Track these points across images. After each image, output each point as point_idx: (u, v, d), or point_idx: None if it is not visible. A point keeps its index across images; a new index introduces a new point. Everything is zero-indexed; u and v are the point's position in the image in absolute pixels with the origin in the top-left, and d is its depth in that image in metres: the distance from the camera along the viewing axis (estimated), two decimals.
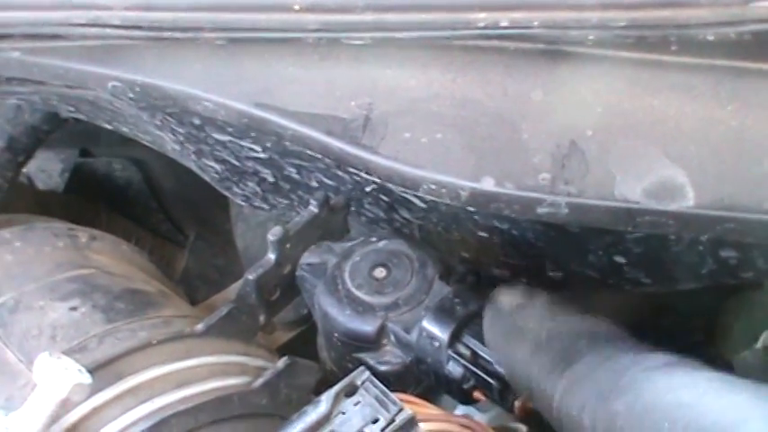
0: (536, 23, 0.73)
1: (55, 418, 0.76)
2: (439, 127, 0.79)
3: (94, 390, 0.80)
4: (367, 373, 0.74)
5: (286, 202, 1.09)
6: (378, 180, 0.84)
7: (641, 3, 0.69)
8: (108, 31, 0.90)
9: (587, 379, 0.68)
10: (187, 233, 1.77)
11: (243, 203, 1.16)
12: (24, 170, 1.51)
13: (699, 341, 1.11)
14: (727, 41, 0.68)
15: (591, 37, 0.72)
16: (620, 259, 0.85)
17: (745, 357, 0.97)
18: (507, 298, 0.81)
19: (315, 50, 0.84)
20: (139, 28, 0.89)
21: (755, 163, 0.69)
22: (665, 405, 0.61)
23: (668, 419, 0.60)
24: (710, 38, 0.68)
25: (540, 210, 0.75)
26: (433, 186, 0.78)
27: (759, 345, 0.96)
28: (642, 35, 0.70)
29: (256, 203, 1.14)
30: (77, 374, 0.76)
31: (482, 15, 0.74)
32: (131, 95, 0.93)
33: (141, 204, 1.78)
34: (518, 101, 0.77)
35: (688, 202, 0.70)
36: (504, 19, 0.74)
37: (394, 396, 0.73)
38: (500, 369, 0.81)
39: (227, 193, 1.15)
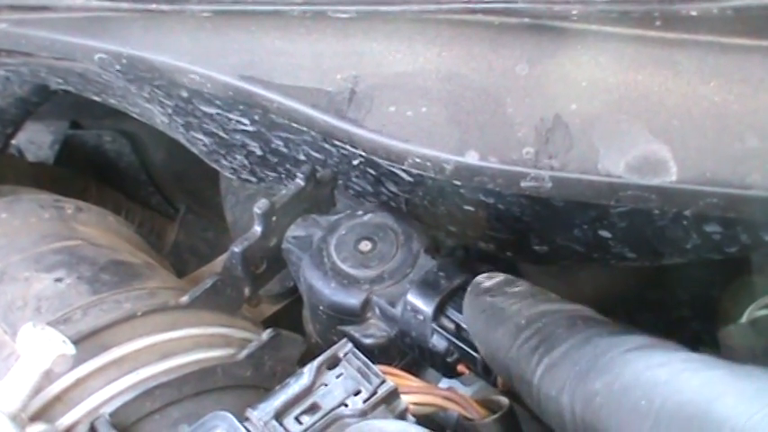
0: None
1: (38, 389, 0.77)
2: (424, 101, 0.79)
3: (78, 361, 0.80)
4: (349, 346, 0.75)
5: (274, 175, 1.09)
6: (364, 153, 0.84)
7: None
8: (94, 2, 0.90)
9: (566, 361, 0.68)
10: (177, 206, 1.77)
11: (231, 176, 1.16)
12: (14, 142, 1.51)
13: (685, 316, 1.12)
14: (710, 17, 0.68)
15: (575, 12, 0.72)
16: (605, 233, 0.85)
17: (730, 332, 0.97)
18: (488, 282, 0.81)
19: (301, 23, 0.83)
20: (126, 0, 0.89)
21: (738, 138, 0.69)
22: (643, 384, 0.62)
23: (646, 398, 0.60)
24: (693, 13, 0.68)
25: (524, 183, 0.75)
26: (418, 160, 0.79)
27: (744, 319, 0.96)
28: (626, 10, 0.70)
29: (244, 176, 1.14)
30: (61, 345, 0.76)
31: None
32: (118, 67, 0.93)
33: (131, 177, 1.78)
34: (503, 75, 0.76)
35: (671, 176, 0.70)
36: None
37: (376, 368, 0.73)
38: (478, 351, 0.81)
39: (215, 166, 1.15)
